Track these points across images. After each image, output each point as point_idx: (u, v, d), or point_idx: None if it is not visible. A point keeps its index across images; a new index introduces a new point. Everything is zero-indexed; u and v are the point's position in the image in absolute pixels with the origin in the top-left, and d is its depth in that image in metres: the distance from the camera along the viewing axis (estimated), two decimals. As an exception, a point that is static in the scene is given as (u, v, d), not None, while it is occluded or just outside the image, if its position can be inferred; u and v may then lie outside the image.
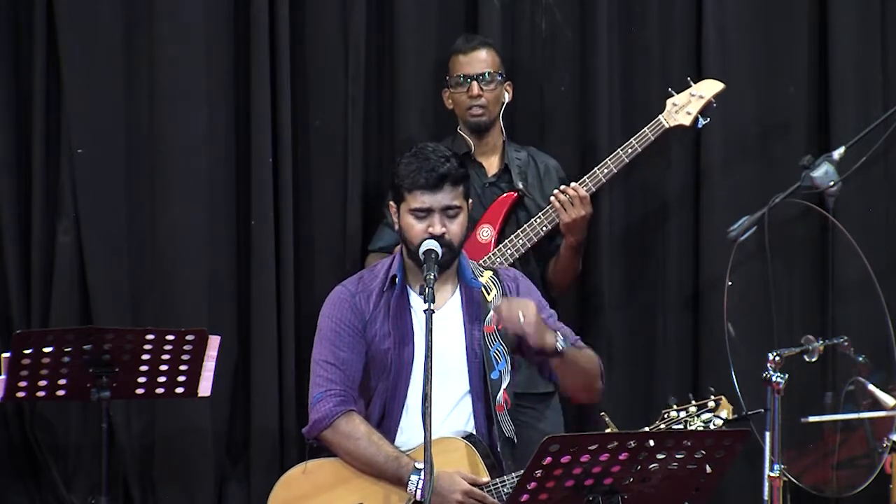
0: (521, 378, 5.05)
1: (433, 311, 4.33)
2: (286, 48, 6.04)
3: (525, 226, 5.65)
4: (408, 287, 4.70)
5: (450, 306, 4.70)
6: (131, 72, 6.05)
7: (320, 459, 4.68)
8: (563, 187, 5.63)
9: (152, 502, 6.08)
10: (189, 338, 5.17)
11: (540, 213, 5.65)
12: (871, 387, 5.61)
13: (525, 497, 4.00)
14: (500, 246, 5.64)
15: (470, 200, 4.67)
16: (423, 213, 4.58)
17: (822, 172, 5.84)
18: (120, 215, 6.06)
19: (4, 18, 6.02)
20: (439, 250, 4.53)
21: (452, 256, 4.63)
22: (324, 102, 6.16)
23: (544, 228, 5.64)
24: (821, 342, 5.40)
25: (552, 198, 5.62)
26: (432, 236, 4.55)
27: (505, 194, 5.75)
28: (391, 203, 4.67)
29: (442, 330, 4.55)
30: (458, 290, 4.72)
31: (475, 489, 4.52)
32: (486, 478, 4.55)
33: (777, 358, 5.17)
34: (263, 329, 6.05)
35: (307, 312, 5.88)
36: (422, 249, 4.53)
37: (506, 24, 6.20)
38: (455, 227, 4.59)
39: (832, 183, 5.84)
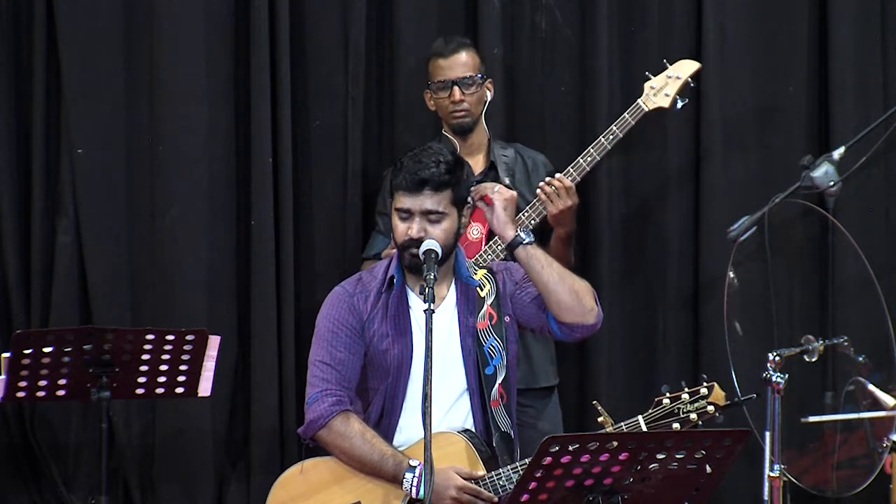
0: (520, 374, 5.03)
1: (433, 311, 4.33)
2: (286, 48, 6.04)
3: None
4: (406, 287, 4.70)
5: (446, 304, 4.70)
6: (131, 72, 6.05)
7: (317, 459, 4.68)
8: (548, 179, 5.61)
9: (152, 502, 6.07)
10: (189, 338, 5.17)
11: (527, 207, 5.64)
12: (871, 387, 5.62)
13: (525, 497, 4.00)
14: (491, 242, 5.63)
15: (467, 207, 4.66)
16: (406, 215, 4.60)
17: (822, 172, 5.84)
18: (120, 215, 6.06)
19: (4, 18, 6.02)
20: (439, 250, 4.54)
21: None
22: (324, 102, 6.16)
23: (532, 222, 5.63)
24: (821, 342, 5.40)
25: (538, 190, 5.61)
26: (412, 239, 4.56)
27: (492, 192, 5.73)
28: (389, 200, 4.68)
29: (439, 328, 4.56)
30: (453, 288, 4.73)
31: (469, 484, 4.52)
32: (482, 471, 4.56)
33: (777, 358, 5.18)
34: (263, 329, 6.05)
35: (307, 313, 5.87)
36: (422, 249, 4.54)
37: (506, 24, 6.21)
38: (438, 232, 4.58)
39: (832, 183, 5.84)
